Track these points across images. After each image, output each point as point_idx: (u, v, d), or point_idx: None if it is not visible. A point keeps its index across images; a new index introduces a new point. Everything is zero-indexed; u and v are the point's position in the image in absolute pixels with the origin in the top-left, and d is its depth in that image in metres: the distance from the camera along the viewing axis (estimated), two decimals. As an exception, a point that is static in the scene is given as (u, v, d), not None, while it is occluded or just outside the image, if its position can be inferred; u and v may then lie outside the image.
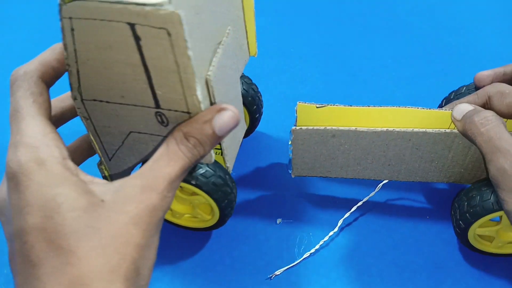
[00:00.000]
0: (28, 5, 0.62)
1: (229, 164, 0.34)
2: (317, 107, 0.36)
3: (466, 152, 0.36)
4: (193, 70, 0.21)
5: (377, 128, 0.35)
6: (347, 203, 0.41)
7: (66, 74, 0.25)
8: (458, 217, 0.36)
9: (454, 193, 0.37)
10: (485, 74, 0.37)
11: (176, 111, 0.23)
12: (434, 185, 0.44)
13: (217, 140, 0.23)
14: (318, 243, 0.39)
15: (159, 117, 0.24)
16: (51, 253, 0.20)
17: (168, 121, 0.24)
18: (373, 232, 0.40)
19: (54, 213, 0.20)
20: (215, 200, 0.35)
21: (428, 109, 0.35)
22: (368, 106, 0.36)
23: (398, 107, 0.35)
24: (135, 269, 0.21)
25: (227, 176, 0.35)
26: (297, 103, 0.36)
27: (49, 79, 0.24)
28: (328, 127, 0.35)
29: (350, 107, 0.36)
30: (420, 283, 0.38)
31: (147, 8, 0.19)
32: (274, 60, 0.54)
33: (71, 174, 0.21)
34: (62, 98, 0.27)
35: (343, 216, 0.40)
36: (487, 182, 0.34)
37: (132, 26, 0.20)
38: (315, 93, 0.51)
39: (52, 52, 0.24)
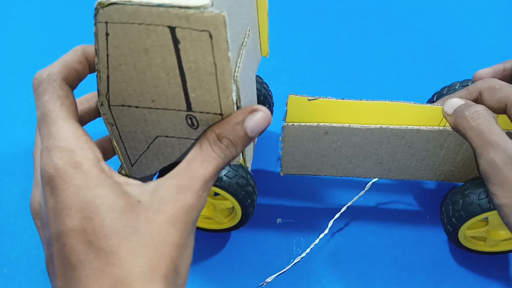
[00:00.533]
0: (29, 5, 0.62)
1: (248, 164, 0.34)
2: (308, 100, 0.35)
3: (458, 150, 0.36)
4: (231, 72, 0.22)
5: (370, 125, 0.34)
6: (346, 203, 0.41)
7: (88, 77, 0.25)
8: (445, 221, 0.36)
9: (443, 196, 0.37)
10: (484, 72, 0.36)
11: (208, 113, 0.23)
12: (434, 184, 0.44)
13: (249, 141, 0.23)
14: (318, 243, 0.39)
15: (189, 120, 0.24)
16: (92, 255, 0.20)
17: (199, 124, 0.24)
18: (373, 232, 0.41)
19: (93, 214, 0.20)
20: (239, 200, 0.35)
21: (420, 104, 0.35)
22: (360, 100, 0.35)
23: (390, 102, 0.35)
24: (174, 268, 0.21)
25: (248, 176, 0.36)
26: (289, 95, 0.35)
27: (72, 81, 0.24)
28: (321, 124, 0.34)
29: (342, 100, 0.35)
30: (419, 283, 0.38)
31: (191, 10, 0.19)
32: (273, 60, 0.54)
33: (106, 176, 0.21)
34: (79, 101, 0.27)
35: (340, 216, 0.40)
36: (469, 185, 0.34)
37: (172, 29, 0.20)
38: (315, 93, 0.51)
39: (74, 54, 0.24)
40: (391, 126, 0.34)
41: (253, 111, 0.23)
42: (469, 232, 0.36)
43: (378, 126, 0.34)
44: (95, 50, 0.22)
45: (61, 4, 0.61)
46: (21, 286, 0.38)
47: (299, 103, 0.35)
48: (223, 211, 0.38)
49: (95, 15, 0.21)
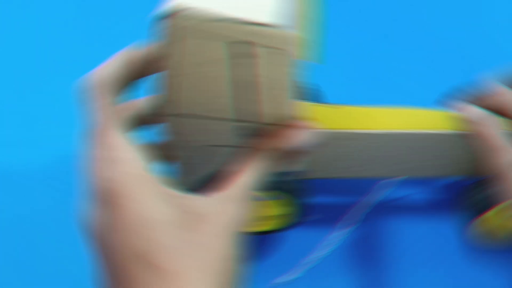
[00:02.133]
0: (28, 3, 0.62)
1: None
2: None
3: (469, 151, 0.36)
4: (294, 88, 0.22)
5: (377, 131, 0.35)
6: (351, 203, 0.41)
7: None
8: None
9: (457, 191, 0.38)
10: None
11: (261, 124, 0.24)
12: (436, 184, 0.44)
13: (297, 155, 0.24)
14: (322, 243, 0.39)
15: (239, 130, 0.24)
16: (148, 273, 0.19)
17: (248, 134, 0.24)
18: (373, 233, 0.41)
19: (150, 230, 0.20)
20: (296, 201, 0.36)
21: (426, 109, 0.36)
22: (365, 106, 0.36)
23: (394, 107, 0.36)
24: (229, 283, 0.21)
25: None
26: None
27: (118, 88, 0.23)
28: (330, 130, 0.35)
29: (344, 106, 0.36)
30: (420, 283, 0.38)
31: (269, 28, 0.20)
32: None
33: (161, 188, 0.21)
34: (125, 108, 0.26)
35: (348, 217, 0.40)
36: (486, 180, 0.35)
37: (245, 44, 0.21)
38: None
39: (119, 60, 0.24)
40: (397, 131, 0.35)
41: (305, 127, 0.23)
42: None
43: (384, 131, 0.35)
44: (156, 60, 0.22)
45: (61, 3, 0.61)
46: (21, 286, 0.38)
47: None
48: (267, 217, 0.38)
49: (164, 22, 0.21)
